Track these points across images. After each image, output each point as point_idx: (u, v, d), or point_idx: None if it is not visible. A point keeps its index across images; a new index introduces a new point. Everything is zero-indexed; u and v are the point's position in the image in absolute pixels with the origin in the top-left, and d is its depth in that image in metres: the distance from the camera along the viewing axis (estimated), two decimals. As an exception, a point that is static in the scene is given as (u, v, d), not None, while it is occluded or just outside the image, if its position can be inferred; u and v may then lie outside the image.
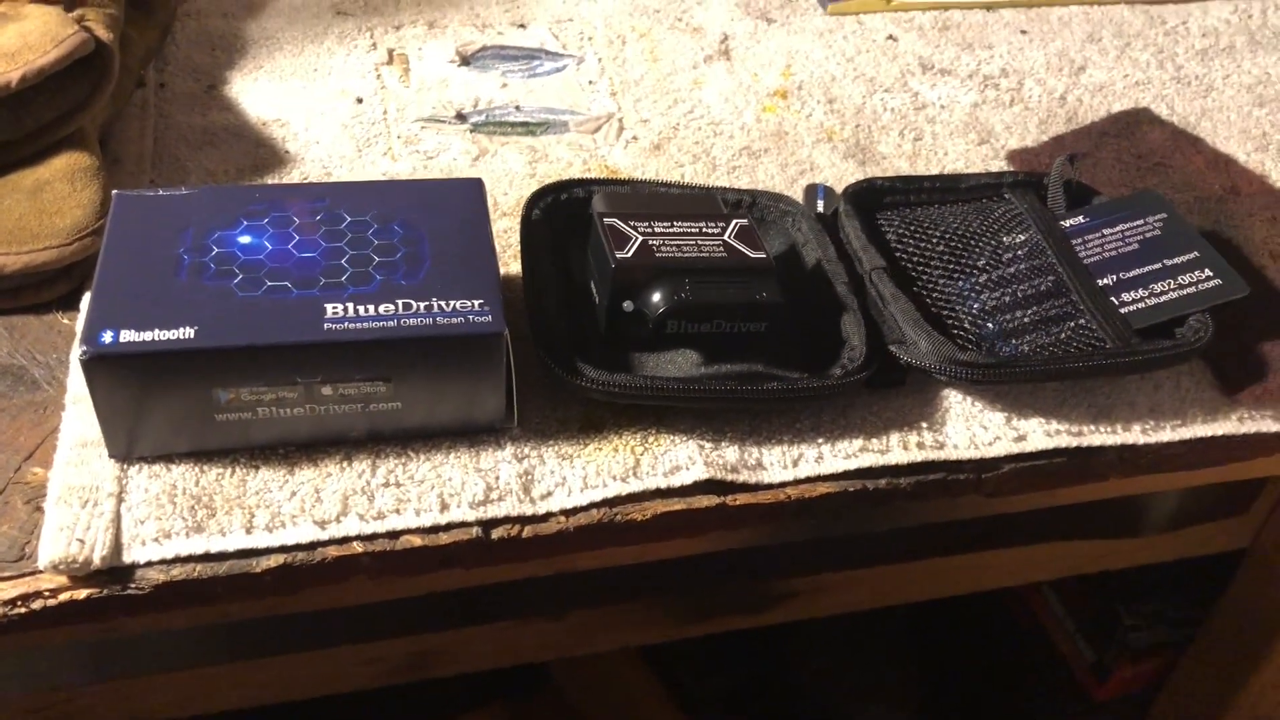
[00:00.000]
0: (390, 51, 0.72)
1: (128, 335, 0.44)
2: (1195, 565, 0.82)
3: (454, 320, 0.47)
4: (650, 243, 0.52)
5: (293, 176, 0.62)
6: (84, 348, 0.44)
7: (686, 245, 0.52)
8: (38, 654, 0.57)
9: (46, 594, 0.44)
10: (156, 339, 0.44)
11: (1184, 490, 0.76)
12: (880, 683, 1.11)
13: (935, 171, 0.68)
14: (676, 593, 0.69)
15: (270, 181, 0.62)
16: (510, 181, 0.64)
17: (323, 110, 0.67)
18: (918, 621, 1.09)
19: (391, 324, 0.46)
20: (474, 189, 0.53)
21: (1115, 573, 0.81)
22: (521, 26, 0.76)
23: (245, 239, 0.49)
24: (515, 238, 0.59)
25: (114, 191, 0.51)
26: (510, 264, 0.58)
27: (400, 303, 0.47)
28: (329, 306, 0.46)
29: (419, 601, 0.62)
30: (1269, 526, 0.77)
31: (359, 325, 0.46)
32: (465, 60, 0.72)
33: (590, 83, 0.72)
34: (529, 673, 0.99)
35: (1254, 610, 0.83)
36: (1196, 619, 0.89)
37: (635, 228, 0.53)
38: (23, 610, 0.43)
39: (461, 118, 0.68)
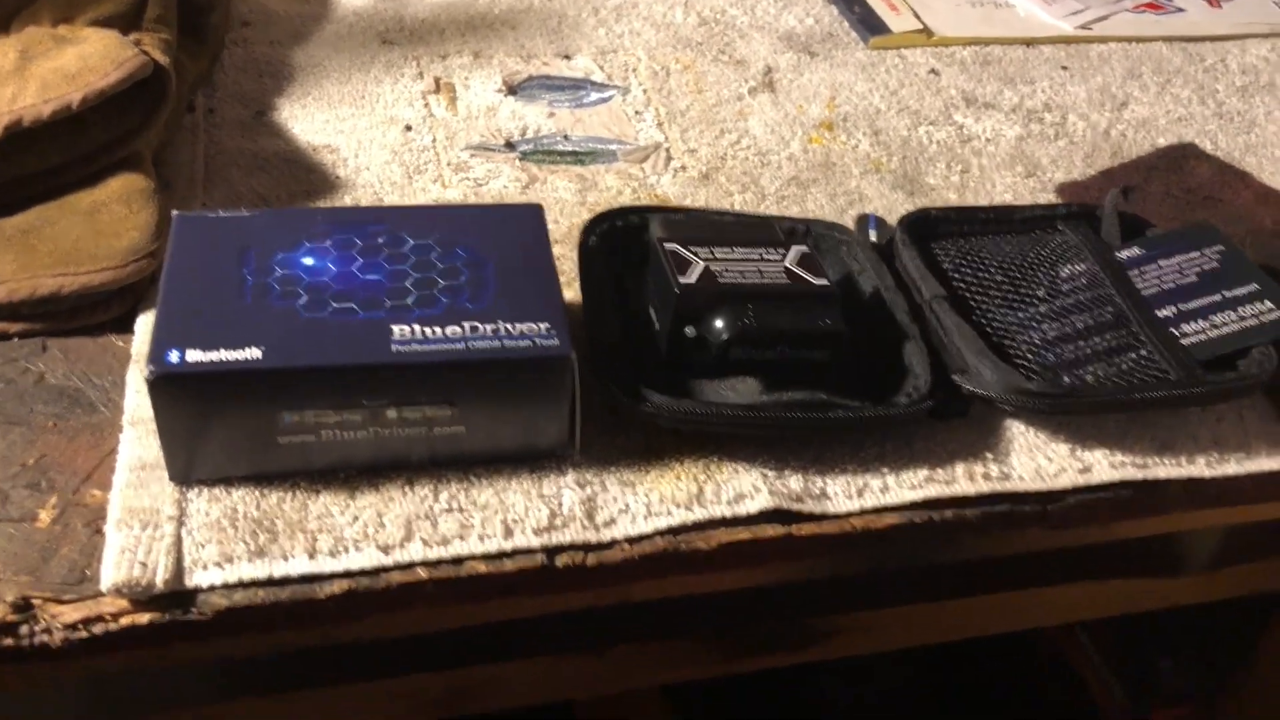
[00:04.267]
0: (437, 80, 0.72)
1: (194, 355, 0.44)
2: (1232, 608, 0.81)
3: (521, 344, 0.46)
4: (712, 268, 0.52)
5: (344, 202, 0.62)
6: (150, 367, 0.43)
7: (749, 271, 0.52)
8: (68, 691, 0.56)
9: (108, 618, 0.43)
10: (223, 359, 0.44)
11: (1225, 529, 0.76)
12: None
13: (984, 203, 0.68)
14: (718, 630, 0.68)
15: (323, 206, 0.62)
16: (561, 209, 0.64)
17: (372, 137, 0.67)
18: (946, 665, 1.08)
19: (459, 346, 0.46)
20: (534, 215, 0.53)
21: (1150, 616, 0.80)
22: (566, 58, 0.76)
23: (309, 260, 0.49)
24: (568, 264, 0.58)
25: (174, 212, 0.50)
26: (565, 291, 0.57)
27: (467, 325, 0.46)
28: (396, 328, 0.46)
29: (455, 635, 0.61)
30: (1314, 566, 0.76)
31: (427, 347, 0.45)
32: (512, 90, 0.72)
33: (636, 113, 0.72)
34: (551, 714, 0.98)
35: (1295, 653, 0.82)
36: (1234, 663, 0.88)
37: (696, 253, 0.53)
38: (84, 634, 0.43)
39: (510, 146, 0.68)
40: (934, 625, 0.73)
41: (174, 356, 0.44)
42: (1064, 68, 0.81)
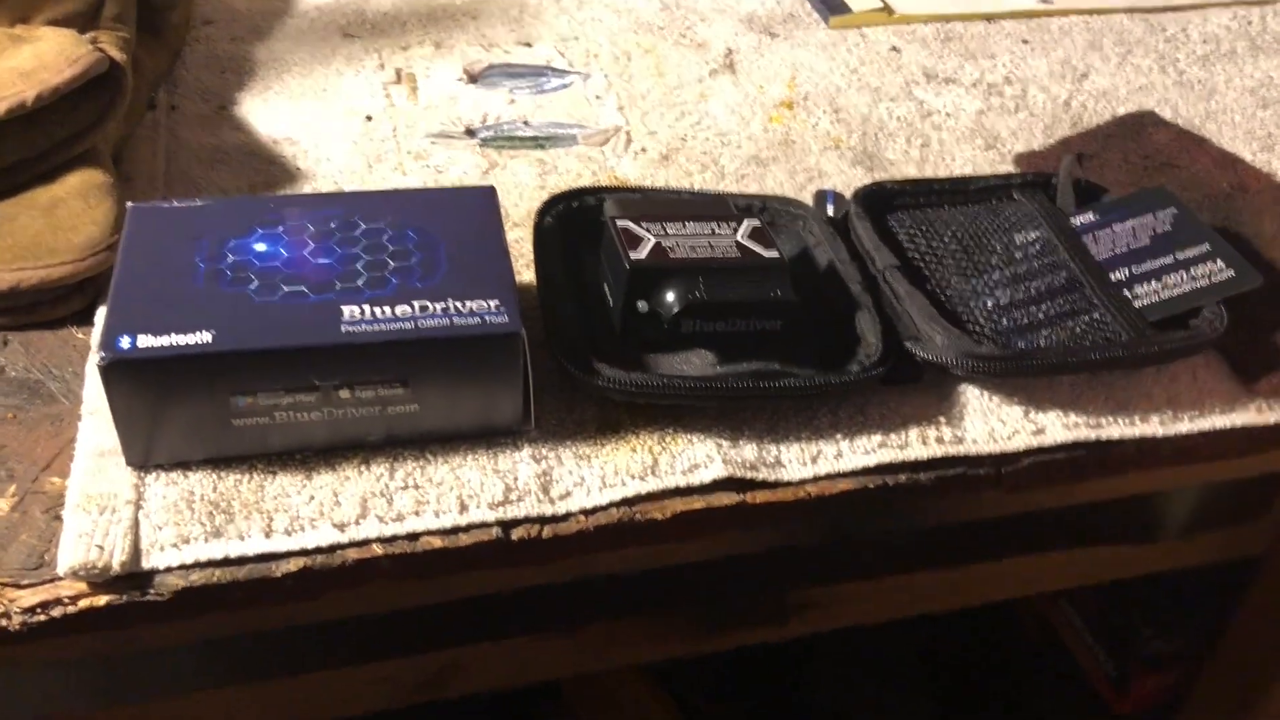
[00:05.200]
0: (398, 71, 0.73)
1: (145, 340, 0.44)
2: (1214, 572, 0.81)
3: (471, 321, 0.47)
4: (664, 244, 0.52)
5: (304, 191, 0.63)
6: (102, 353, 0.44)
7: (699, 245, 0.53)
8: (47, 678, 0.57)
9: (66, 601, 0.43)
10: (174, 343, 0.44)
11: (1200, 494, 0.76)
12: (896, 703, 1.10)
13: (944, 176, 0.68)
14: (691, 606, 0.69)
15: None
16: (520, 193, 0.64)
17: (333, 128, 0.67)
18: (932, 638, 1.08)
19: (409, 325, 0.46)
20: (487, 196, 0.54)
21: (1133, 582, 0.81)
22: (527, 45, 0.77)
23: (260, 246, 0.49)
24: (527, 247, 0.59)
25: (128, 204, 0.51)
26: (523, 273, 0.58)
27: (417, 304, 0.47)
28: (346, 309, 0.46)
29: (432, 618, 0.61)
30: (1288, 529, 0.77)
31: (376, 327, 0.46)
32: (473, 78, 0.73)
33: (597, 97, 0.72)
34: (540, 695, 0.98)
35: (1274, 616, 0.82)
36: (1217, 627, 0.89)
37: (648, 229, 0.53)
38: (42, 618, 0.43)
39: (470, 133, 0.68)
40: (912, 597, 0.73)
41: (125, 342, 0.44)
42: (1025, 41, 0.82)
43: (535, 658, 0.65)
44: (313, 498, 0.47)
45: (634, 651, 0.69)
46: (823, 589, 0.70)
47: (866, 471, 0.51)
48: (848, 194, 0.64)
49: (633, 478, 0.49)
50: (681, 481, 0.49)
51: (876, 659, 1.08)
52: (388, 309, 0.47)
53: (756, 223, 0.55)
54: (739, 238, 0.54)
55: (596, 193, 0.59)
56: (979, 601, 0.76)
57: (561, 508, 0.48)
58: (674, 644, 0.69)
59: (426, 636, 0.63)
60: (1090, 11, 0.85)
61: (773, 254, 0.53)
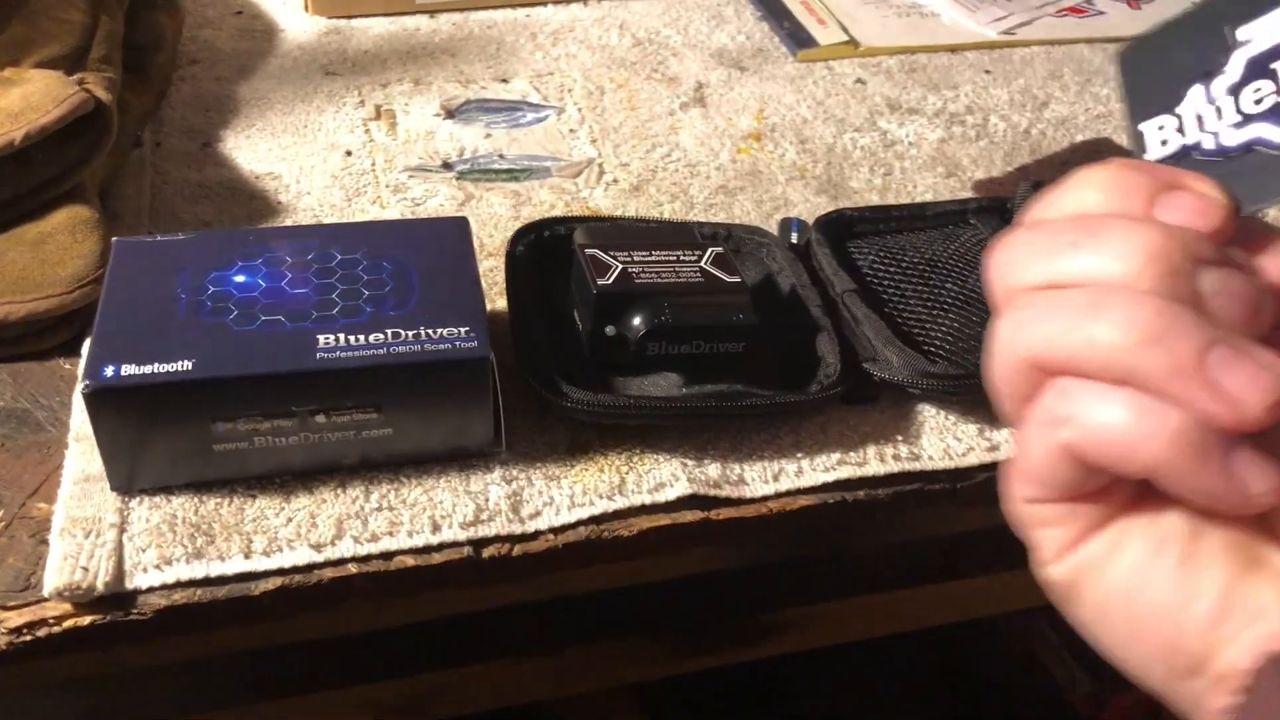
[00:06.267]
0: (378, 107, 0.75)
1: (129, 369, 0.46)
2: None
3: (441, 347, 0.49)
4: (630, 270, 0.54)
5: (285, 224, 0.65)
6: (86, 382, 0.46)
7: (665, 272, 0.55)
8: (34, 705, 0.58)
9: (51, 621, 0.45)
10: (156, 371, 0.46)
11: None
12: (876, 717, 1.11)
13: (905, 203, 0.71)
14: (669, 627, 0.70)
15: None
16: (495, 224, 0.66)
17: (313, 164, 0.70)
18: (912, 657, 1.10)
19: (381, 351, 0.48)
20: (459, 226, 0.56)
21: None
22: (504, 81, 0.79)
23: (240, 278, 0.51)
24: (501, 276, 0.61)
25: (114, 239, 0.53)
26: (496, 300, 0.60)
27: (389, 332, 0.49)
28: (321, 337, 0.48)
29: (414, 642, 0.63)
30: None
31: (350, 353, 0.48)
32: (450, 114, 0.75)
33: (571, 131, 0.75)
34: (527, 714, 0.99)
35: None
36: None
37: (615, 257, 0.55)
38: (28, 638, 0.45)
39: (448, 166, 0.70)
40: (884, 617, 0.75)
41: (109, 371, 0.46)
42: (987, 71, 0.84)
43: (516, 681, 0.67)
44: (290, 519, 0.48)
45: (615, 672, 0.71)
46: (796, 609, 0.71)
47: (826, 488, 0.53)
48: (812, 221, 0.66)
49: (600, 497, 0.51)
50: (648, 500, 0.51)
51: (855, 677, 1.10)
52: (361, 336, 0.49)
53: (720, 249, 0.57)
54: (703, 264, 0.56)
55: (567, 222, 0.61)
56: (957, 618, 0.77)
57: (531, 526, 0.50)
58: (654, 665, 0.71)
59: (408, 660, 0.64)
60: (1051, 42, 0.88)
61: (735, 279, 0.55)
